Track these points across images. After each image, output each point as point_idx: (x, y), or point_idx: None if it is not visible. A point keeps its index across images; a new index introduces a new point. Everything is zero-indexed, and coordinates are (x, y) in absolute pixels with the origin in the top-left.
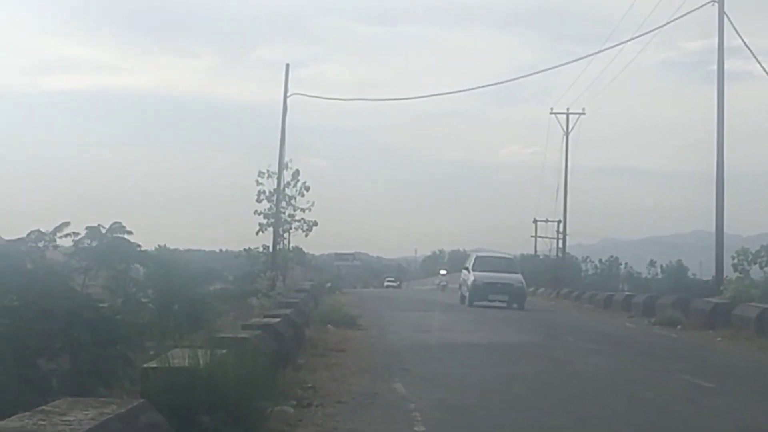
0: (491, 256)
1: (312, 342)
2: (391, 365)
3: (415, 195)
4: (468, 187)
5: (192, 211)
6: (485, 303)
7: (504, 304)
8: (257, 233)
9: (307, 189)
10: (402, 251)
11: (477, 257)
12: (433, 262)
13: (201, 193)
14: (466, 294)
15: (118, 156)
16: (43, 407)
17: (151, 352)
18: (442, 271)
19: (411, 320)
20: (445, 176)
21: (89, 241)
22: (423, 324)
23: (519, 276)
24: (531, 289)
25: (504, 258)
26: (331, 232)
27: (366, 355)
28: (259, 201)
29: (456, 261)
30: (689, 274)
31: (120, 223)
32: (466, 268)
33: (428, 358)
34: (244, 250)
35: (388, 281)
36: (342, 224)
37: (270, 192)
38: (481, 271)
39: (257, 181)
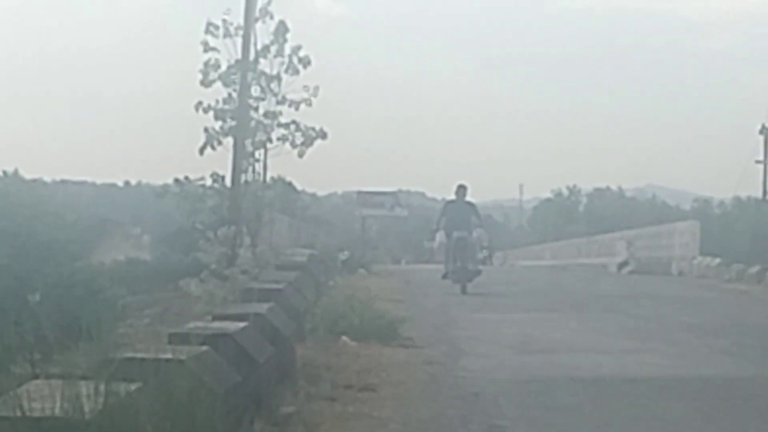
0: None
1: (311, 370)
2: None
3: (520, 82)
4: (627, 65)
5: (69, 108)
6: None
7: None
8: (202, 150)
9: (304, 64)
10: (494, 191)
11: None
12: (556, 209)
13: (88, 70)
14: None
15: None
16: None
17: None
18: None
19: (510, 328)
20: (580, 41)
21: None
22: (535, 337)
23: None
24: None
25: None
26: (353, 152)
27: (419, 400)
28: (206, 84)
29: (605, 209)
30: None
31: None
32: None
33: (553, 415)
34: (175, 181)
35: None
36: (374, 138)
37: (228, 66)
38: None
39: (204, 45)
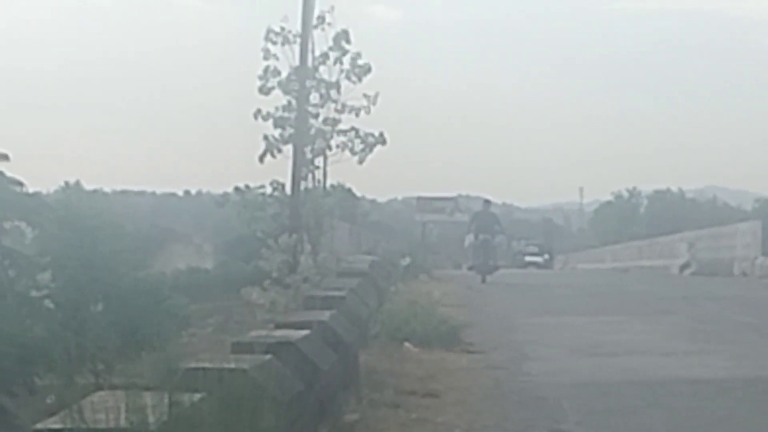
0: None
1: (374, 377)
2: None
3: (579, 85)
4: (687, 66)
5: (129, 118)
6: None
7: None
8: (262, 158)
9: (363, 71)
10: (554, 194)
11: None
12: (616, 212)
13: (146, 79)
14: None
15: None
16: None
17: (50, 398)
18: None
19: (572, 332)
20: (641, 42)
21: None
22: (597, 340)
23: None
24: None
25: None
26: (412, 158)
27: (483, 405)
28: (265, 92)
29: (666, 210)
30: None
31: None
32: None
33: (616, 418)
34: (235, 190)
35: (530, 254)
36: (433, 143)
37: (288, 73)
38: None
39: (265, 52)
